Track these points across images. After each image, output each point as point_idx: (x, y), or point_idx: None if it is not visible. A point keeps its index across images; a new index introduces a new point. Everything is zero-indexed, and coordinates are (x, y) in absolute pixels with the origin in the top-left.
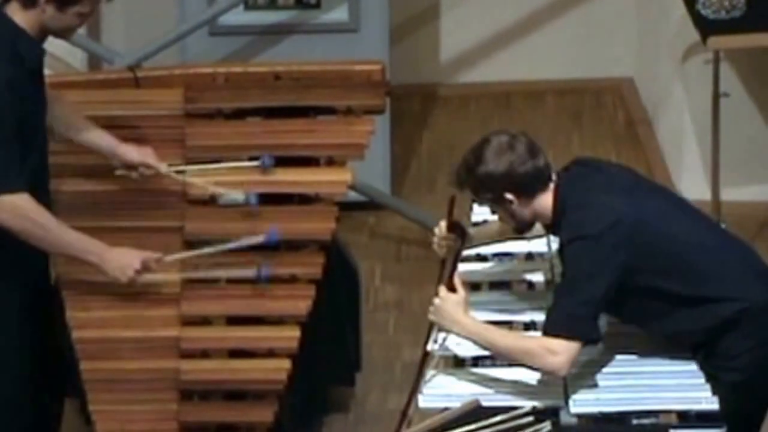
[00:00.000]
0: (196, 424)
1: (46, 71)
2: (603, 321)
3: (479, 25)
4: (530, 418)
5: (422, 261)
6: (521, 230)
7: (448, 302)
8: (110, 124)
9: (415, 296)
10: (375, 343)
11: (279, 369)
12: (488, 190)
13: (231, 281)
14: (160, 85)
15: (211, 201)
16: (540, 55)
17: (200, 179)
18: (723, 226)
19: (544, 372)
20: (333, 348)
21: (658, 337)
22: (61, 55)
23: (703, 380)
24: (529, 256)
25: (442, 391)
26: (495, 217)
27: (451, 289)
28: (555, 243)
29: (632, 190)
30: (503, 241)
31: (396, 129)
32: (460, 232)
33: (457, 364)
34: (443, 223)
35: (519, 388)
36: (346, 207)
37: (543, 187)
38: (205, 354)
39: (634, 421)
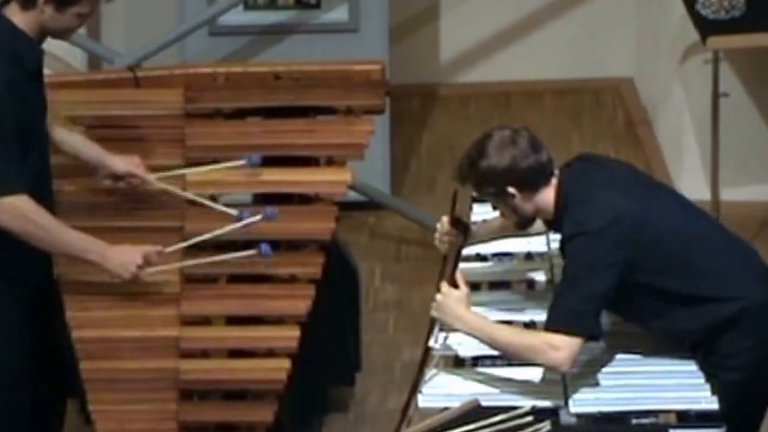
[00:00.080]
0: (195, 424)
1: (46, 71)
2: (606, 320)
3: (479, 25)
4: (530, 418)
5: (422, 261)
6: (523, 225)
7: (450, 298)
8: (110, 124)
9: (414, 296)
10: (375, 343)
11: (279, 369)
12: (491, 184)
13: (231, 280)
14: (160, 85)
15: (211, 200)
16: (539, 55)
17: (177, 188)
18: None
19: (546, 368)
20: (333, 348)
21: (657, 337)
22: (61, 55)
23: (702, 380)
24: (529, 255)
25: (441, 391)
26: (496, 214)
27: (454, 285)
28: (554, 242)
29: (634, 186)
30: (504, 238)
31: (396, 129)
32: (462, 228)
33: (457, 363)
34: (445, 219)
35: (519, 387)
36: (345, 207)
37: (545, 182)
38: (204, 354)
39: (634, 421)
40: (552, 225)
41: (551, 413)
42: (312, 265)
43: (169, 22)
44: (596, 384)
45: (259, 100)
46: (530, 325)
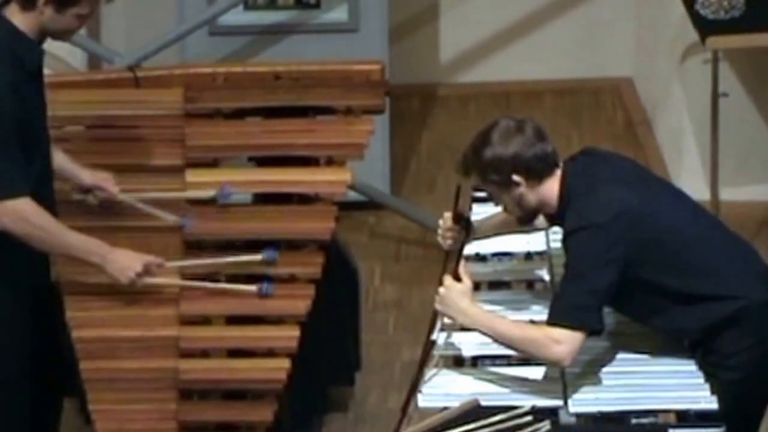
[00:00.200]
0: (195, 424)
1: (46, 71)
2: (606, 320)
3: (478, 25)
4: (529, 418)
5: (422, 261)
6: (526, 220)
7: (453, 291)
8: (110, 124)
9: (414, 296)
10: (374, 342)
11: (278, 368)
12: (496, 172)
13: (231, 280)
14: (160, 84)
15: (211, 200)
16: (539, 55)
17: (141, 203)
18: None
19: (548, 362)
20: (332, 348)
21: (657, 336)
22: (61, 55)
23: (702, 380)
24: (528, 255)
25: (441, 391)
26: (497, 210)
27: (457, 278)
28: (554, 242)
29: (637, 181)
30: (507, 234)
31: (395, 129)
32: (465, 224)
33: (457, 363)
34: (448, 215)
35: (518, 387)
36: (345, 207)
37: (550, 172)
38: (204, 353)
39: (633, 421)
40: (554, 219)
41: (551, 413)
42: (312, 265)
43: (169, 22)
44: (596, 384)
45: (258, 100)
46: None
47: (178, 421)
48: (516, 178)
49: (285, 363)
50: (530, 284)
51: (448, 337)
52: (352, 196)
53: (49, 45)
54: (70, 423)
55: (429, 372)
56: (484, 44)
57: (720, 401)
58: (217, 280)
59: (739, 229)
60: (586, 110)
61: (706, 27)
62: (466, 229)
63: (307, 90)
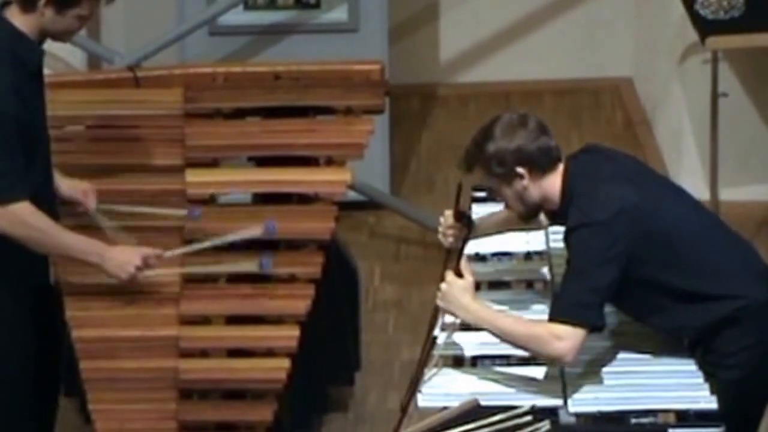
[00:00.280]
0: (195, 424)
1: (46, 71)
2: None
3: (478, 25)
4: (529, 417)
5: (421, 261)
6: (527, 216)
7: (455, 287)
8: (110, 124)
9: (414, 296)
10: (374, 342)
11: (278, 368)
12: (500, 164)
13: (230, 280)
14: (160, 84)
15: (211, 201)
16: (539, 55)
17: (111, 222)
18: None
19: (550, 358)
20: (332, 347)
21: (657, 336)
22: (61, 55)
23: (701, 380)
24: (528, 255)
25: (441, 390)
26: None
27: (459, 274)
28: (554, 242)
29: (639, 179)
30: (508, 231)
31: (395, 129)
32: (466, 222)
33: (456, 363)
34: (449, 213)
35: (518, 387)
36: (345, 206)
37: (553, 166)
38: (204, 353)
39: (633, 421)
40: (556, 216)
41: (550, 413)
42: (312, 265)
43: (169, 22)
44: (595, 383)
45: (258, 100)
46: None
47: (178, 420)
48: (520, 170)
49: (285, 363)
50: (530, 284)
51: (448, 336)
52: (352, 195)
53: (49, 45)
54: (70, 423)
55: (429, 372)
56: (483, 44)
57: (719, 401)
58: (216, 278)
59: (739, 229)
60: (585, 110)
61: (705, 27)
62: (467, 226)
63: (307, 90)
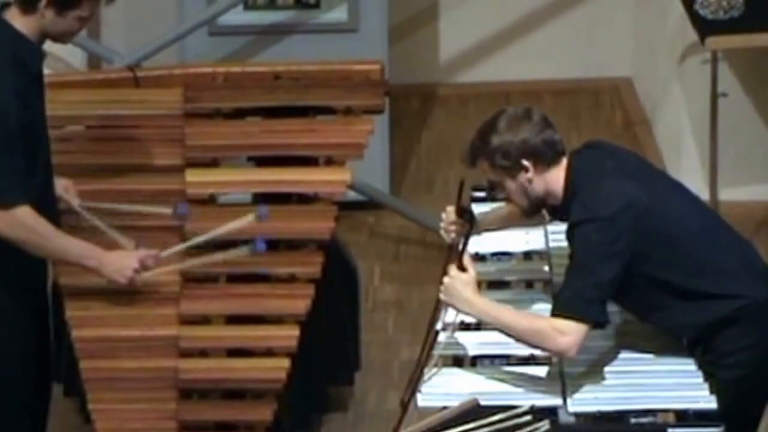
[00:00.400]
0: (195, 423)
1: (46, 71)
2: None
3: (478, 25)
4: (528, 417)
5: (421, 260)
6: (530, 211)
7: (458, 281)
8: (110, 124)
9: (414, 296)
10: (374, 342)
11: (278, 368)
12: (505, 157)
13: (231, 279)
14: (160, 84)
15: (211, 200)
16: (538, 55)
17: (100, 222)
18: None
19: (552, 353)
20: (332, 347)
21: (656, 336)
22: (61, 55)
23: (701, 379)
24: (528, 255)
25: (440, 390)
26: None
27: (461, 268)
28: (553, 242)
29: (642, 175)
30: (510, 227)
31: (395, 129)
32: (468, 217)
33: (456, 363)
34: (450, 208)
35: (517, 387)
36: (345, 206)
37: (557, 160)
38: (204, 353)
39: (633, 420)
40: (558, 211)
41: (550, 412)
42: (311, 265)
43: (169, 22)
44: (595, 383)
45: (258, 100)
46: None
47: (178, 420)
48: (525, 162)
49: (284, 362)
50: (530, 284)
51: (448, 336)
52: (352, 195)
53: (49, 45)
54: (70, 422)
55: (429, 371)
56: (483, 44)
57: (719, 401)
58: (216, 278)
59: (739, 229)
60: (585, 110)
61: (705, 27)
62: (469, 222)
63: (307, 90)
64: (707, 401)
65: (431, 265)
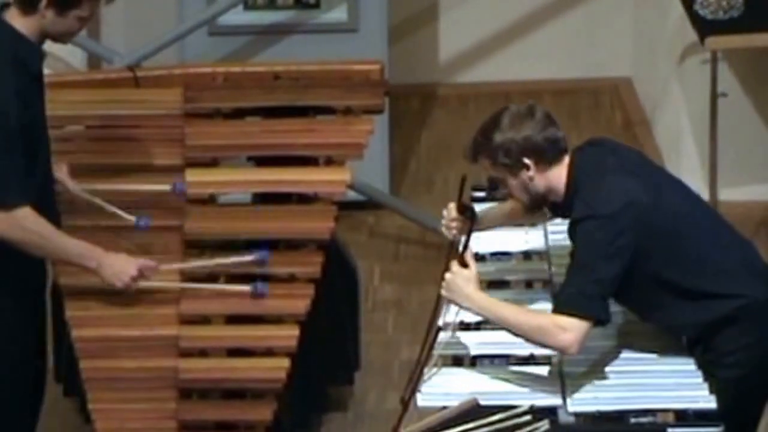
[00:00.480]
0: (195, 423)
1: (46, 71)
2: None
3: (477, 26)
4: (528, 417)
5: (421, 260)
6: (532, 207)
7: (460, 277)
8: (110, 124)
9: (413, 295)
10: (374, 342)
11: (278, 368)
12: (506, 155)
13: (230, 280)
14: (160, 84)
15: (211, 200)
16: (538, 55)
17: (97, 199)
18: None
19: (554, 349)
20: (332, 347)
21: (656, 336)
22: (61, 55)
23: (700, 379)
24: (527, 255)
25: (440, 390)
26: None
27: (463, 264)
28: (553, 241)
29: (645, 173)
30: (511, 224)
31: (395, 129)
32: (470, 214)
33: (456, 363)
34: (452, 205)
35: (517, 386)
36: (345, 206)
37: (559, 157)
38: (204, 353)
39: (632, 420)
40: (560, 208)
41: (549, 412)
42: (311, 265)
43: (169, 22)
44: (594, 383)
45: (258, 99)
46: None
47: (178, 420)
48: (526, 160)
49: (284, 362)
50: (529, 283)
51: (448, 336)
52: (352, 195)
53: (49, 45)
54: (70, 422)
55: (428, 371)
56: (483, 44)
57: (719, 400)
58: (216, 278)
59: (738, 229)
60: (584, 110)
61: (704, 27)
62: (471, 219)
63: (307, 90)
64: (707, 401)
65: (431, 265)
